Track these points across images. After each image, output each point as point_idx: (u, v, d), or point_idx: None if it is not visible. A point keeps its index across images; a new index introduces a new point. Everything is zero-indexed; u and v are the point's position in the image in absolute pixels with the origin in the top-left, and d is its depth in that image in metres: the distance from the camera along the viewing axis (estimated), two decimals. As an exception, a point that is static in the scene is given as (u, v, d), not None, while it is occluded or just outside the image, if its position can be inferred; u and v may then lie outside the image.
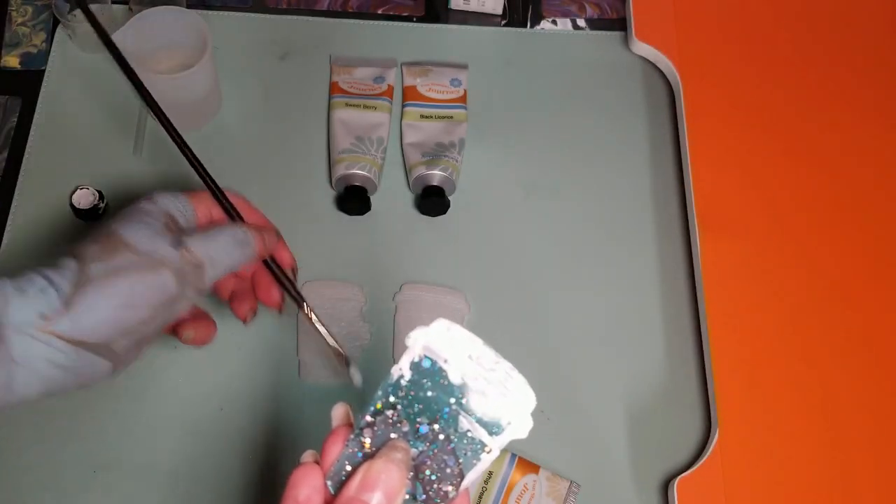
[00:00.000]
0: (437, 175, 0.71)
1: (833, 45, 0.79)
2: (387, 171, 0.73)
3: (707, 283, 0.68)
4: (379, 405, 0.37)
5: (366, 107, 0.74)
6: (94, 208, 0.69)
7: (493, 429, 0.36)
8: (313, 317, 0.54)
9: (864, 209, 0.72)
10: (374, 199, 0.72)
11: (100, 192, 0.69)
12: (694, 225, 0.70)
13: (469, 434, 0.36)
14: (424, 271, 0.70)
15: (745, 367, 0.65)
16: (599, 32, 0.81)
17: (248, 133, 0.75)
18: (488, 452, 0.36)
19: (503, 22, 0.81)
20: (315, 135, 0.75)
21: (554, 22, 0.82)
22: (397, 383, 0.37)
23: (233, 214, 0.53)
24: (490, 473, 0.61)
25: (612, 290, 0.70)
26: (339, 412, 0.39)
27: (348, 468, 0.36)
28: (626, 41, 0.80)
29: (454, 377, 0.37)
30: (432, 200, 0.71)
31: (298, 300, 0.54)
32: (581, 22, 0.82)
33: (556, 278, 0.70)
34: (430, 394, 0.37)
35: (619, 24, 0.81)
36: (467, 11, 0.81)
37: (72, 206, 0.69)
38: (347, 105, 0.74)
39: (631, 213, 0.73)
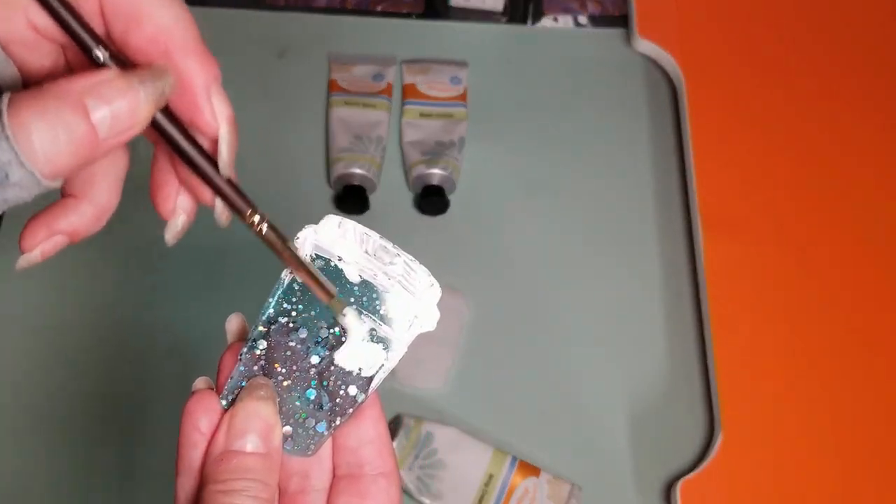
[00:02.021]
0: (436, 174, 0.70)
1: (837, 42, 0.78)
2: (386, 170, 0.73)
3: (710, 283, 0.67)
4: (272, 312, 0.34)
5: (365, 105, 0.73)
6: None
7: (398, 325, 0.34)
8: (270, 235, 0.32)
9: (868, 209, 0.71)
10: (373, 199, 0.71)
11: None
12: (697, 224, 0.69)
13: (374, 333, 0.34)
14: (424, 271, 0.69)
15: (748, 367, 0.65)
16: (601, 30, 0.80)
17: (245, 131, 0.74)
18: (396, 350, 0.34)
19: (504, 19, 0.81)
20: (313, 133, 0.74)
21: (555, 19, 0.81)
22: (290, 287, 0.34)
23: (83, 40, 0.29)
24: (490, 476, 0.61)
25: (613, 290, 0.69)
26: (233, 325, 0.35)
27: (244, 384, 0.33)
28: (628, 38, 0.79)
29: (351, 275, 0.34)
30: (432, 200, 0.70)
31: (231, 200, 0.32)
32: (583, 19, 0.81)
33: (556, 278, 0.70)
34: None
35: (621, 21, 0.80)
36: (468, 8, 0.80)
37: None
38: (346, 103, 0.73)
39: (632, 211, 0.72)
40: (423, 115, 0.74)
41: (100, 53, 0.29)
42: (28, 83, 0.31)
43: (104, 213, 0.33)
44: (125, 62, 0.29)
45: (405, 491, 0.61)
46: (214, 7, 0.79)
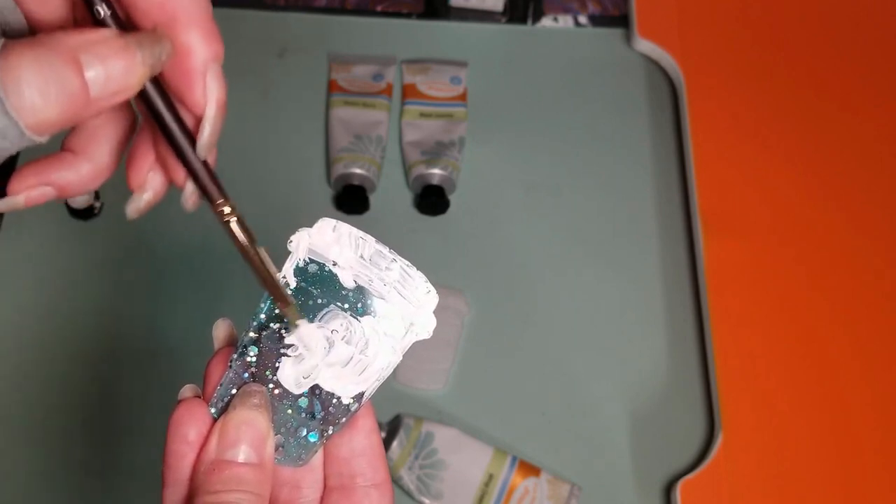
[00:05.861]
0: (436, 174, 0.70)
1: (838, 41, 0.78)
2: (386, 170, 0.73)
3: (710, 282, 0.67)
4: (263, 318, 0.33)
5: (365, 105, 0.73)
6: (90, 208, 0.68)
7: (394, 333, 0.33)
8: (235, 227, 0.31)
9: (868, 209, 0.71)
10: (373, 199, 0.71)
11: (96, 191, 0.68)
12: (697, 224, 0.69)
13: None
14: (424, 272, 0.68)
15: (748, 367, 0.64)
16: (601, 29, 0.80)
17: (246, 131, 0.74)
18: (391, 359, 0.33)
19: (504, 19, 0.81)
20: (313, 133, 0.74)
21: (555, 19, 0.81)
22: None
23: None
24: (490, 476, 0.61)
25: (613, 290, 0.69)
26: (221, 331, 0.34)
27: (234, 391, 0.32)
28: (628, 38, 0.79)
29: (346, 281, 0.33)
30: (432, 200, 0.70)
31: (203, 184, 0.30)
32: (583, 19, 0.81)
33: (556, 278, 0.70)
34: (320, 301, 0.33)
35: (621, 21, 0.80)
36: (467, 8, 0.80)
37: (66, 204, 0.68)
38: (346, 103, 0.73)
39: (633, 212, 0.72)
40: (423, 115, 0.74)
41: (101, 9, 0.28)
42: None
43: (100, 175, 0.32)
44: (125, 24, 0.28)
45: (405, 491, 0.61)
46: (214, 7, 0.79)
